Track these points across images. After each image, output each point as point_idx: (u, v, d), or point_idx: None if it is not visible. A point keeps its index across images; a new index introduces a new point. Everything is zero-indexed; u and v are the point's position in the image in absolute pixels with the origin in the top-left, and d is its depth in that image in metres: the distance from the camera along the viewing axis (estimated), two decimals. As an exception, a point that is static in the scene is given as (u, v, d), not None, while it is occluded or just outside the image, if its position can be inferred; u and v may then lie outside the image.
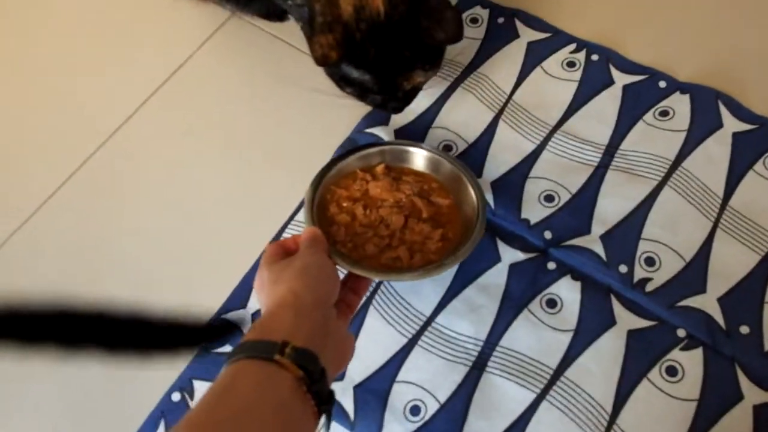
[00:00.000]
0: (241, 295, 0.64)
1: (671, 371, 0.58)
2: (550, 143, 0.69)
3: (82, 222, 0.70)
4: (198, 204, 0.70)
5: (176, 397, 0.61)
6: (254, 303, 0.64)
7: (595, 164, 0.68)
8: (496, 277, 0.63)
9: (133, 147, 0.74)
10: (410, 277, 0.57)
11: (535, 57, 0.74)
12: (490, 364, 0.59)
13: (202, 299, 0.64)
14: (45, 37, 0.83)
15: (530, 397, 0.58)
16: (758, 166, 0.66)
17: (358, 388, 0.59)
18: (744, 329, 0.59)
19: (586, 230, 0.64)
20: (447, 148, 0.70)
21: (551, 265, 0.63)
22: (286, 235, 0.67)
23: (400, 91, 0.66)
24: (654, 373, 0.58)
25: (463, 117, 0.71)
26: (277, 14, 0.79)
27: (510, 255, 0.64)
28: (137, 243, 0.68)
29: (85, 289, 0.62)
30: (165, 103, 0.76)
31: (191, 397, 0.60)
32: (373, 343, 0.61)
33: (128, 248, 0.68)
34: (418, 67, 0.64)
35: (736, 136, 0.68)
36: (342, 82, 0.66)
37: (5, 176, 0.73)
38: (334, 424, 0.58)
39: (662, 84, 0.71)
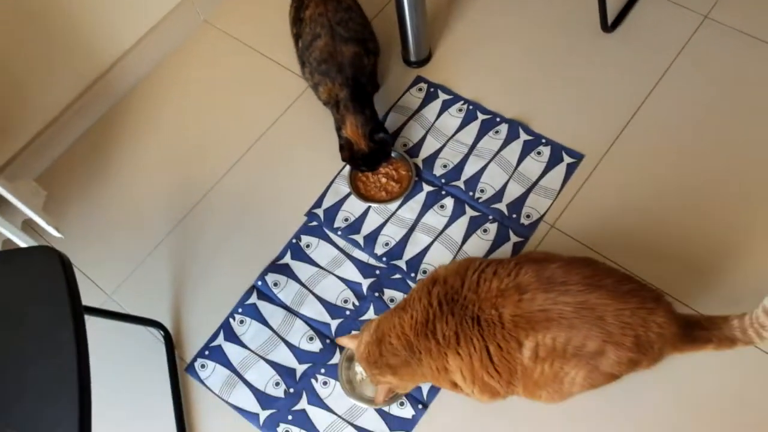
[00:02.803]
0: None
1: (485, 231, 1.53)
2: (449, 143, 1.64)
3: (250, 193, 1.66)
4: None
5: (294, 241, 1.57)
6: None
7: (465, 151, 1.62)
8: (421, 197, 1.58)
9: (257, 160, 1.70)
10: (388, 203, 1.55)
11: (445, 107, 1.69)
12: (416, 228, 1.54)
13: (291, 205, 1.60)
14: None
15: (429, 240, 1.53)
16: (533, 154, 1.60)
17: (367, 238, 1.55)
18: (514, 215, 1.53)
19: (459, 178, 1.59)
20: (405, 144, 1.65)
21: (443, 193, 1.58)
22: (337, 180, 1.62)
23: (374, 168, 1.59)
24: (479, 232, 1.52)
25: (413, 131, 1.66)
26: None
27: (427, 188, 1.59)
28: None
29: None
30: (271, 140, 1.72)
31: (300, 241, 1.56)
32: (380, 215, 1.56)
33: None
34: (382, 162, 1.58)
35: (525, 143, 1.62)
36: (351, 162, 1.58)
37: (187, 167, 1.70)
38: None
39: (498, 119, 1.66)
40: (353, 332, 1.42)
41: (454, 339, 1.15)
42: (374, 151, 1.54)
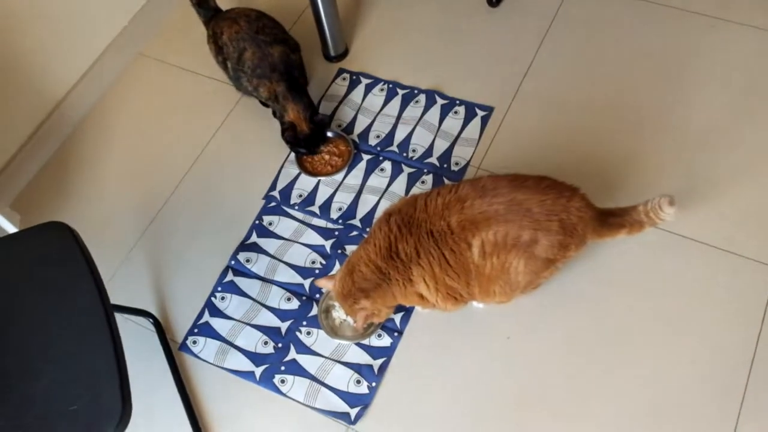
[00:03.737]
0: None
1: (423, 182, 1.75)
2: (378, 118, 1.87)
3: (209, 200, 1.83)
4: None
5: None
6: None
7: (393, 122, 1.86)
8: (362, 165, 1.79)
9: (211, 161, 1.88)
10: (334, 174, 1.76)
11: (368, 89, 1.92)
12: (363, 191, 1.75)
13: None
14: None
15: (376, 199, 1.73)
16: (451, 114, 1.85)
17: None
18: (445, 165, 1.76)
19: (392, 144, 1.81)
20: (340, 125, 1.86)
21: (381, 158, 1.80)
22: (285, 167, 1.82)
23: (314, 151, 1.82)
24: (418, 184, 1.74)
25: (344, 114, 1.89)
26: (265, 105, 1.94)
27: (366, 156, 1.80)
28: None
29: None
30: (217, 148, 1.91)
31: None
32: (329, 186, 1.76)
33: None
34: (320, 142, 1.80)
35: (443, 106, 1.87)
36: (292, 145, 1.80)
37: (149, 172, 1.86)
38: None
39: (415, 92, 1.90)
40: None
41: (414, 254, 1.35)
42: (314, 133, 1.75)
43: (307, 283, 1.64)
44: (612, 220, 1.46)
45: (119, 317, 1.61)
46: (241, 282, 1.67)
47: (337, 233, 1.70)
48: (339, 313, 1.59)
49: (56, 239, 1.14)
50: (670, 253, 1.57)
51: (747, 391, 1.39)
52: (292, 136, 1.74)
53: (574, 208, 1.36)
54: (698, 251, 1.56)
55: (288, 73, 1.77)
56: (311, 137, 1.75)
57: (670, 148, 1.70)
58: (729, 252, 1.55)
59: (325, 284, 1.46)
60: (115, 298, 1.66)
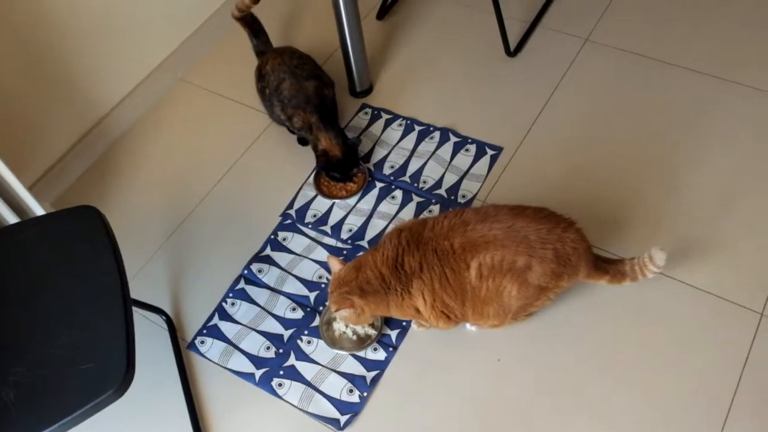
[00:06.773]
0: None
1: (430, 211, 1.85)
2: (393, 150, 1.99)
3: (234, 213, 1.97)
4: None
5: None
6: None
7: (407, 155, 1.98)
8: (375, 192, 1.91)
9: (236, 179, 2.02)
10: (348, 198, 1.88)
11: (387, 124, 2.06)
12: (374, 215, 1.86)
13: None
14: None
15: (385, 223, 1.84)
16: (462, 151, 1.96)
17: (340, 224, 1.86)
18: (452, 197, 1.87)
19: (404, 175, 1.93)
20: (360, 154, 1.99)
21: (393, 187, 1.91)
22: (306, 187, 1.94)
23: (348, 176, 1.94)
24: (425, 213, 1.85)
25: (363, 145, 2.01)
26: (302, 141, 2.08)
27: (379, 184, 1.92)
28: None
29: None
30: (242, 168, 2.05)
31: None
32: (342, 209, 1.88)
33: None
34: (354, 166, 1.93)
35: (455, 143, 1.98)
36: (325, 172, 1.93)
37: (177, 181, 2.01)
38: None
39: (431, 128, 2.02)
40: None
41: (418, 268, 1.44)
42: (346, 156, 1.87)
43: (312, 295, 1.74)
44: (600, 264, 1.54)
45: (135, 312, 1.73)
46: (252, 290, 1.77)
47: (345, 252, 1.81)
48: (339, 326, 1.68)
49: (85, 219, 1.27)
50: (662, 294, 1.63)
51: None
52: (325, 162, 1.87)
53: (569, 239, 1.44)
54: (688, 294, 1.62)
55: (321, 106, 1.91)
56: (344, 161, 1.88)
57: (670, 200, 1.78)
58: (717, 296, 1.60)
59: (334, 263, 1.53)
60: (134, 295, 1.79)
